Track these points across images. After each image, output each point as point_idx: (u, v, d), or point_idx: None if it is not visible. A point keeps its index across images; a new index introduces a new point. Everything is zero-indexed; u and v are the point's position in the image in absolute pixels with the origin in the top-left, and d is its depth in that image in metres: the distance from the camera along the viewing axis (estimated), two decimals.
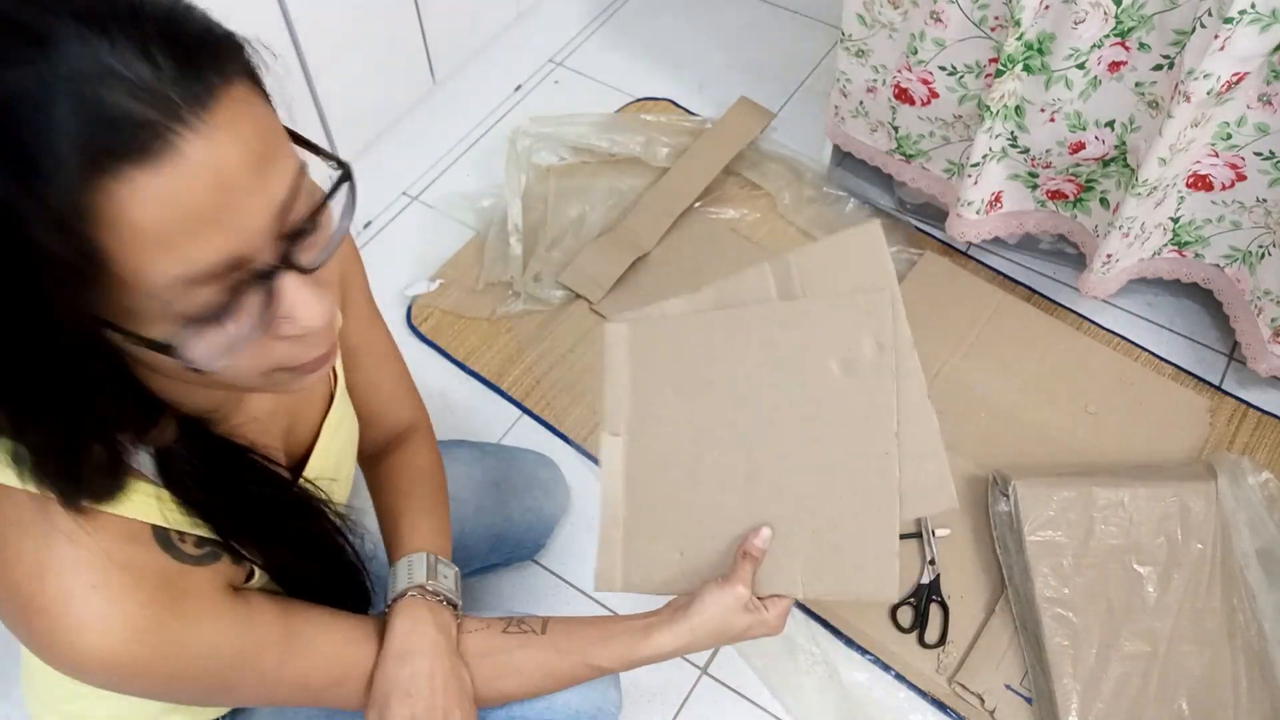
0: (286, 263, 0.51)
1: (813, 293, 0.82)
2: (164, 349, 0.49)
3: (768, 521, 0.82)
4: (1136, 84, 1.27)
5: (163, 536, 0.62)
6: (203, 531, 0.64)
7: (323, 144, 1.59)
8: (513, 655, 0.83)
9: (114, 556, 0.59)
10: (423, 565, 0.84)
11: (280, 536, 0.70)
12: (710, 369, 0.84)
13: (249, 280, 0.49)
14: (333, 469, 0.82)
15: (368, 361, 0.91)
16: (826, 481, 0.81)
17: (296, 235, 0.51)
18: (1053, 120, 1.34)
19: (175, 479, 0.62)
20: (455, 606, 0.84)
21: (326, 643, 0.74)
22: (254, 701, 0.72)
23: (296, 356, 0.55)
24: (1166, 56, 1.22)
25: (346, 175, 0.55)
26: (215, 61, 0.46)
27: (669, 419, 0.85)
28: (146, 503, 0.61)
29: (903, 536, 1.34)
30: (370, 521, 0.91)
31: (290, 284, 0.51)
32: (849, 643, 1.29)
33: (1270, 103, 1.21)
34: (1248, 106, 1.23)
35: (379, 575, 0.86)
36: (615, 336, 0.87)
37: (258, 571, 0.71)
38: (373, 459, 0.96)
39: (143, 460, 0.61)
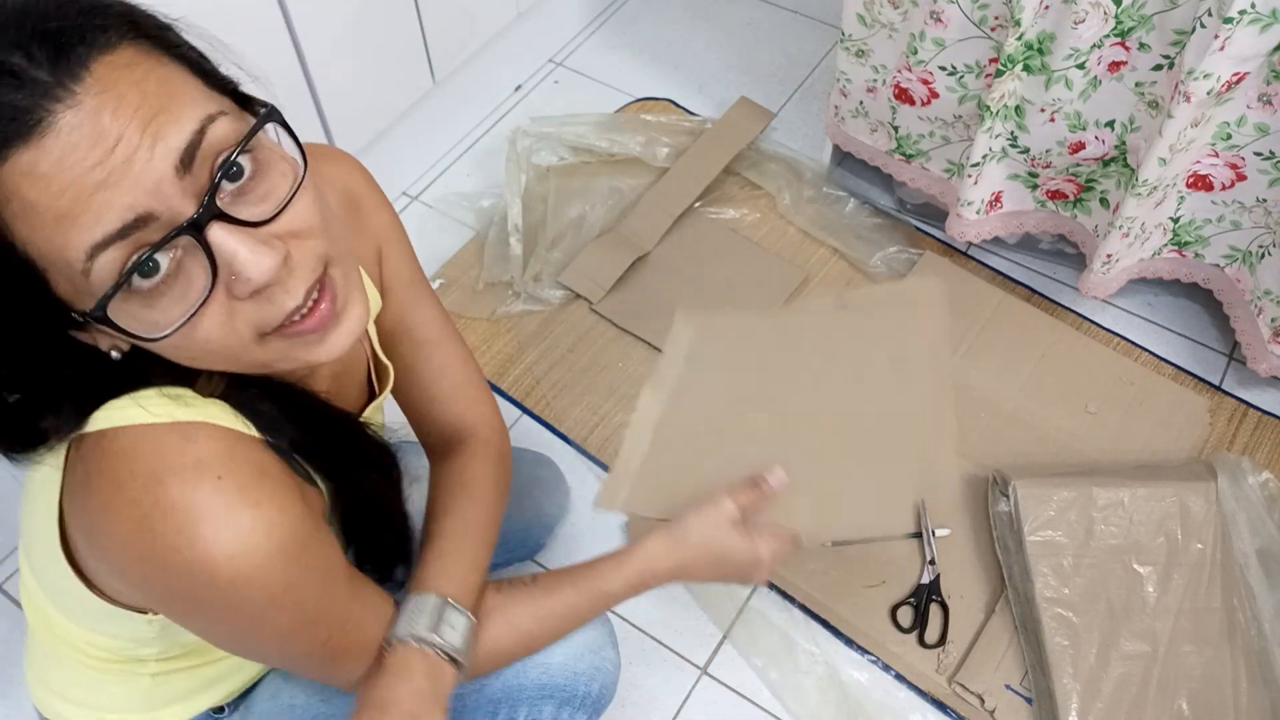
0: (212, 215, 0.50)
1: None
2: (117, 329, 0.50)
3: (786, 466, 0.86)
4: (1136, 84, 1.27)
5: (278, 448, 0.62)
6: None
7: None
8: (508, 611, 0.80)
9: (235, 452, 0.58)
10: (426, 611, 0.74)
11: (347, 468, 0.70)
12: (763, 353, 0.94)
13: (173, 237, 0.49)
14: None
15: (406, 347, 0.86)
16: (852, 441, 0.89)
17: (217, 186, 0.50)
18: (1053, 120, 1.34)
19: (239, 398, 0.62)
20: (458, 664, 0.74)
21: (368, 597, 0.72)
22: (300, 648, 0.67)
23: (270, 315, 0.53)
24: (1166, 56, 1.22)
25: (269, 115, 0.53)
26: (90, 34, 0.47)
27: (713, 387, 0.93)
28: (229, 417, 0.61)
29: (903, 537, 1.36)
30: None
31: (221, 236, 0.50)
32: (849, 643, 1.29)
33: (1270, 103, 1.21)
34: (1248, 106, 1.23)
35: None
36: (683, 322, 0.95)
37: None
38: (430, 460, 0.90)
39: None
